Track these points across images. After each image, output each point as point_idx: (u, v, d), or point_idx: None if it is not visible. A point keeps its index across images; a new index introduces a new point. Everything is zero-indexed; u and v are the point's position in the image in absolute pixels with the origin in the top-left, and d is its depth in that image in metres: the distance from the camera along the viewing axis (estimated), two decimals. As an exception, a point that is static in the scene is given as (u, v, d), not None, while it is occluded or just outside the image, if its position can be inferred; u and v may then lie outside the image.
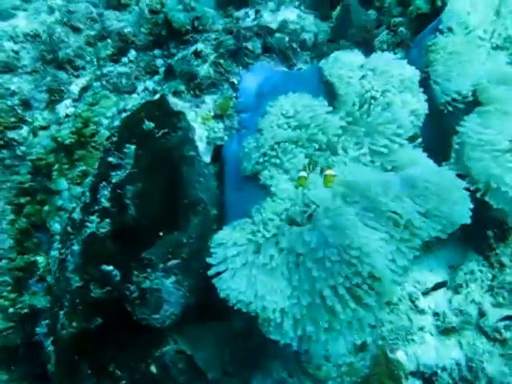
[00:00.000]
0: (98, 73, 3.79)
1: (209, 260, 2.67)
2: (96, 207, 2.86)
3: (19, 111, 4.50)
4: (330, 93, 2.93)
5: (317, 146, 2.83)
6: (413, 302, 3.80)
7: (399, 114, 2.86)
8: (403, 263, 2.62)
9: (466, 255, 3.77)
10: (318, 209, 2.63)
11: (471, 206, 2.76)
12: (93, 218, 2.80)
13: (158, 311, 2.96)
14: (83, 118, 3.32)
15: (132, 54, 3.76)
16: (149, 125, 2.95)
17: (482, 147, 2.97)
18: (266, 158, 2.74)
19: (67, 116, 3.85)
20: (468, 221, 2.72)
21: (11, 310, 3.65)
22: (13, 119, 4.38)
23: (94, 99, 3.62)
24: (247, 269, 2.61)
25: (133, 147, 2.89)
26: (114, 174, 2.88)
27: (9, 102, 4.61)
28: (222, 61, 3.33)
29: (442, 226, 2.69)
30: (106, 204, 2.81)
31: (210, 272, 2.64)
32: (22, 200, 3.77)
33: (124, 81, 3.61)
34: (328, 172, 2.76)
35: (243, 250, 2.66)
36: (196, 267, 3.09)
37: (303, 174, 2.69)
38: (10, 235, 3.81)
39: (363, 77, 2.97)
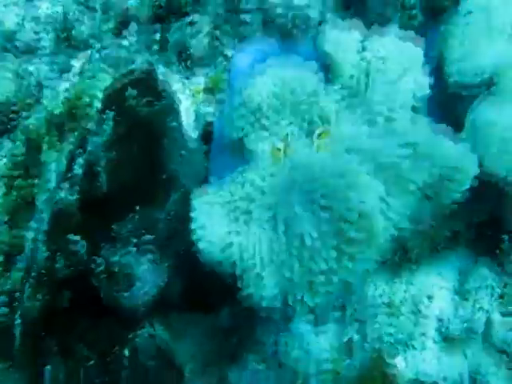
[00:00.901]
0: (98, 46, 3.66)
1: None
2: (69, 175, 2.69)
3: (34, 92, 4.43)
4: (325, 65, 2.70)
5: (306, 117, 2.60)
6: (416, 305, 3.50)
7: (400, 90, 2.61)
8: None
9: (477, 259, 3.48)
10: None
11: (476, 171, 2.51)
12: (64, 185, 2.63)
13: (128, 289, 2.77)
14: (76, 90, 3.18)
15: (133, 27, 3.61)
16: (132, 92, 2.78)
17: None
18: (250, 123, 2.51)
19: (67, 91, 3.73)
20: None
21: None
22: (28, 100, 4.31)
23: (92, 73, 3.49)
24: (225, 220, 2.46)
25: (111, 113, 2.72)
26: (90, 140, 2.71)
27: (25, 83, 4.56)
28: (217, 32, 3.15)
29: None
30: (78, 171, 2.64)
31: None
32: (15, 173, 3.64)
33: (123, 55, 3.47)
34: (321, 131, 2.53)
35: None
36: (176, 248, 2.89)
37: (279, 145, 2.45)
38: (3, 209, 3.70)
39: (363, 49, 2.73)
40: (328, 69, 2.78)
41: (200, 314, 3.31)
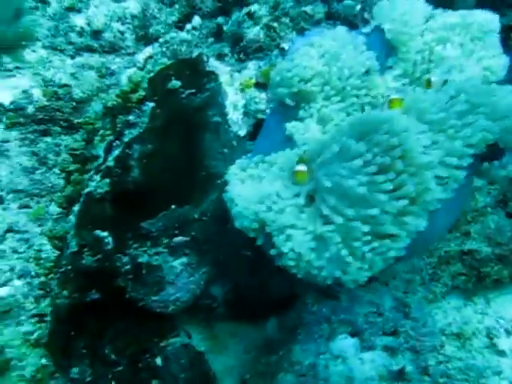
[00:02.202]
0: (162, 40, 3.53)
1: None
2: (102, 167, 2.53)
3: (113, 90, 4.41)
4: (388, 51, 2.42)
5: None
6: (491, 339, 3.11)
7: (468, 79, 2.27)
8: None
9: None
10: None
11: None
12: (96, 177, 2.47)
13: (157, 293, 2.57)
14: (133, 83, 3.04)
15: (196, 20, 3.45)
16: (175, 83, 2.61)
17: None
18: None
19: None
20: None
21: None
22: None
23: (153, 66, 3.35)
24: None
25: (151, 105, 2.56)
26: (127, 132, 2.55)
27: (107, 82, 4.56)
28: (275, 24, 2.92)
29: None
30: (111, 163, 2.48)
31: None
32: (72, 167, 3.56)
33: (184, 48, 3.31)
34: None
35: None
36: (216, 253, 2.67)
37: (301, 168, 2.18)
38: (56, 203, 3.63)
39: (428, 30, 2.42)
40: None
41: (245, 324, 3.06)
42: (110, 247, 2.48)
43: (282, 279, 2.72)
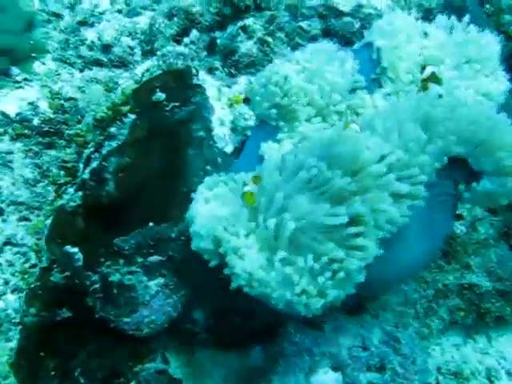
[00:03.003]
0: (159, 54, 3.43)
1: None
2: (78, 180, 2.41)
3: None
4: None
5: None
6: (491, 381, 2.91)
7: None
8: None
9: None
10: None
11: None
12: (71, 190, 2.35)
13: (129, 314, 2.42)
14: (124, 96, 2.93)
15: (194, 34, 3.34)
16: (159, 95, 2.50)
17: None
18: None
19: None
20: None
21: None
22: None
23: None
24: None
25: (132, 116, 2.42)
26: (107, 144, 2.43)
27: (113, 96, 4.48)
28: (269, 39, 2.79)
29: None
30: (86, 176, 2.36)
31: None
32: (63, 180, 3.47)
33: (180, 62, 3.20)
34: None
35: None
36: (196, 275, 2.52)
37: (248, 188, 2.12)
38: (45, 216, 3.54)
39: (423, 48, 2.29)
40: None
41: (228, 351, 2.90)
42: (79, 264, 2.33)
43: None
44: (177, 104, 2.51)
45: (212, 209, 2.17)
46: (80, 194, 2.36)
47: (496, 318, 3.12)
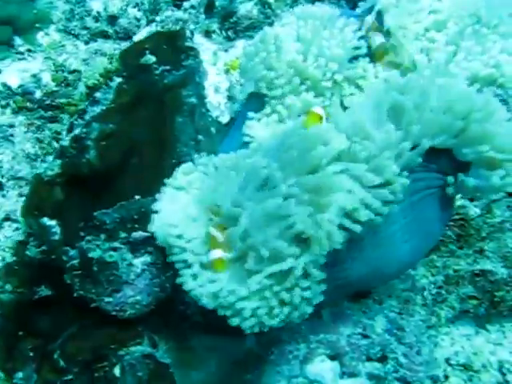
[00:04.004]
0: (158, 19, 3.22)
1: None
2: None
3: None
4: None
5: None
6: (504, 374, 2.71)
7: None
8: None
9: None
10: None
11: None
12: (49, 158, 2.16)
13: (112, 294, 2.23)
14: (118, 61, 2.74)
15: (195, -3, 3.13)
16: (149, 58, 2.29)
17: None
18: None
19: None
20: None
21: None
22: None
23: (142, 46, 3.04)
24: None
25: (118, 80, 2.22)
26: (90, 109, 2.23)
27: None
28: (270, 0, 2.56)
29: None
30: (66, 143, 2.16)
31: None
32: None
33: (178, 27, 2.99)
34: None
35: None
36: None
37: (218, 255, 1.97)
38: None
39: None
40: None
41: (223, 336, 2.71)
42: (56, 238, 2.14)
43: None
44: (167, 67, 2.31)
45: (170, 211, 2.06)
46: (58, 162, 2.16)
47: (511, 307, 2.88)
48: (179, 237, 2.01)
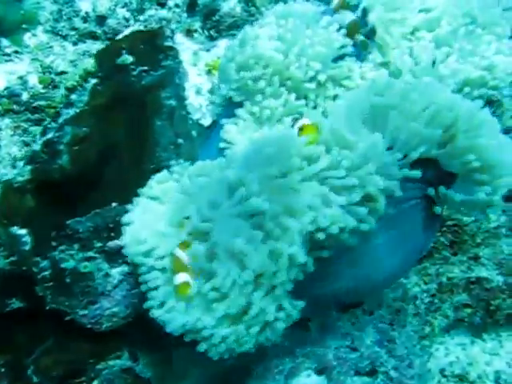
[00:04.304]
0: (141, 18, 3.09)
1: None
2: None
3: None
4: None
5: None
6: (499, 385, 2.62)
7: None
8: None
9: None
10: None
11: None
12: (20, 163, 2.05)
13: (87, 306, 2.11)
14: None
15: (180, -4, 3.00)
16: (126, 58, 2.18)
17: None
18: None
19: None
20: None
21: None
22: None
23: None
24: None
25: (93, 81, 2.10)
26: (64, 112, 2.11)
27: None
28: (256, -4, 2.44)
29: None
30: (37, 147, 2.05)
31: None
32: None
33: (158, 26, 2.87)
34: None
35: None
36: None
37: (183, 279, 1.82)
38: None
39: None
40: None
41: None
42: (27, 248, 2.02)
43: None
44: (145, 68, 2.19)
45: (141, 224, 1.94)
46: (29, 167, 2.04)
47: (507, 316, 2.82)
48: (147, 254, 1.87)
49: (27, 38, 4.49)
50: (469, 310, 2.81)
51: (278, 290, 1.63)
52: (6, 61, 4.28)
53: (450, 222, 2.63)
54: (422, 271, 2.71)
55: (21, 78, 3.94)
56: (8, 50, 4.33)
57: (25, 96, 3.87)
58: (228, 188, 1.70)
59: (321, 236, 1.60)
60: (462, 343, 2.90)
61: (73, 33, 4.32)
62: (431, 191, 1.87)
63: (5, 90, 3.90)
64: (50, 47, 4.31)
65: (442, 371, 2.81)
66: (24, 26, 4.44)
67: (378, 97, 1.73)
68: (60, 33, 4.33)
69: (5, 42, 4.41)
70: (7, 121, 3.89)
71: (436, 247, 2.68)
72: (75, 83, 2.64)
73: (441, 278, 2.74)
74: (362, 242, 1.73)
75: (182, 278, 1.78)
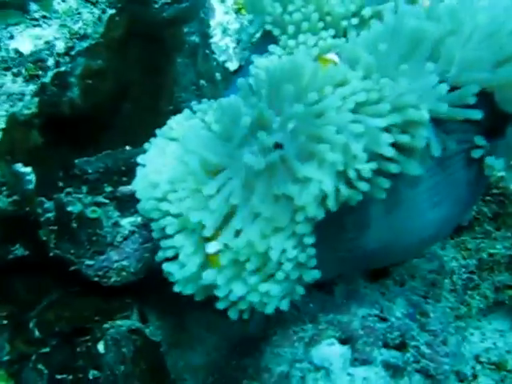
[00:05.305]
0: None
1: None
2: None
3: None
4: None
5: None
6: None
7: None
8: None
9: None
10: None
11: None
12: (27, 97, 1.88)
13: (93, 256, 1.94)
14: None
15: None
16: (147, -11, 1.97)
17: None
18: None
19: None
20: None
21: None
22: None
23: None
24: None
25: (110, 12, 1.92)
26: (77, 44, 1.94)
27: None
28: None
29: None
30: (47, 79, 1.87)
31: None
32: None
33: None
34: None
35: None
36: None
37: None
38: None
39: None
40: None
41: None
42: (31, 187, 1.85)
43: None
44: (168, 1, 1.99)
45: (157, 166, 1.68)
46: (36, 99, 1.87)
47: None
48: (162, 199, 1.65)
49: (56, 3, 4.35)
50: (510, 292, 2.56)
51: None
52: (34, 25, 4.14)
53: (495, 191, 2.38)
54: (461, 245, 2.48)
55: (47, 42, 3.79)
56: (36, 15, 4.18)
57: (50, 62, 3.72)
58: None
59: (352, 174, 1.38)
60: (501, 329, 2.66)
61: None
62: (479, 140, 1.63)
63: (31, 54, 3.76)
64: (79, 13, 4.16)
65: (476, 357, 2.58)
66: (53, -11, 4.30)
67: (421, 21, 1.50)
68: (90, -1, 4.19)
69: (34, 6, 4.27)
70: (32, 87, 3.74)
71: (478, 218, 2.44)
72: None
73: (481, 254, 2.50)
74: (401, 184, 1.51)
75: (213, 247, 1.55)
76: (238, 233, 1.46)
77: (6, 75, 3.61)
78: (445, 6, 1.48)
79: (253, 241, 1.41)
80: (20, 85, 3.73)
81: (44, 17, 4.06)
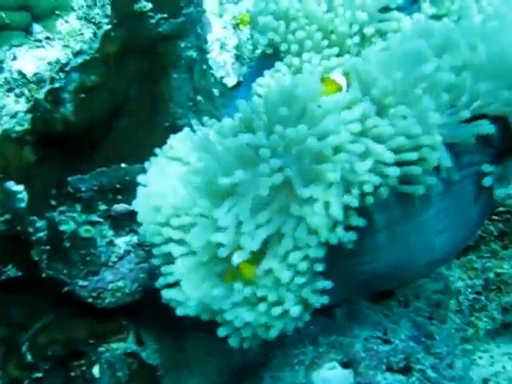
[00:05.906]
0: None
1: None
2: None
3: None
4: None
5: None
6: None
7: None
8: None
9: None
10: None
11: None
12: (21, 113, 1.84)
13: (87, 276, 1.88)
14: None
15: None
16: (144, 5, 1.95)
17: None
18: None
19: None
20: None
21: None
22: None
23: None
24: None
25: (106, 27, 1.89)
26: (73, 61, 1.90)
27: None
28: None
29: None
30: (40, 95, 1.83)
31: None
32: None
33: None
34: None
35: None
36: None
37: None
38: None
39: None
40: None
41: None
42: (22, 205, 1.80)
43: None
44: (164, 16, 1.96)
45: (159, 187, 1.60)
46: (29, 116, 1.82)
47: None
48: (165, 223, 1.57)
49: (59, 24, 4.35)
50: (519, 314, 2.49)
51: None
52: (38, 46, 4.14)
53: (501, 209, 2.32)
54: (467, 264, 2.41)
55: (50, 64, 3.79)
56: (40, 36, 4.18)
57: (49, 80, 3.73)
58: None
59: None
60: (509, 352, 2.58)
61: (106, 20, 4.16)
62: (487, 168, 1.58)
63: (34, 75, 3.74)
64: (82, 34, 4.15)
65: (485, 381, 2.49)
66: (57, 11, 4.30)
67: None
68: (93, 20, 4.18)
69: (37, 27, 4.26)
70: (32, 106, 3.75)
71: (484, 237, 2.37)
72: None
73: (488, 274, 2.43)
74: (410, 208, 1.45)
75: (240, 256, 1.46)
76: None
77: (8, 96, 3.59)
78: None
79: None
80: (23, 106, 3.71)
81: (47, 38, 4.06)
